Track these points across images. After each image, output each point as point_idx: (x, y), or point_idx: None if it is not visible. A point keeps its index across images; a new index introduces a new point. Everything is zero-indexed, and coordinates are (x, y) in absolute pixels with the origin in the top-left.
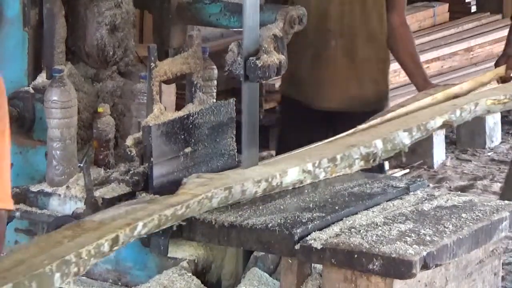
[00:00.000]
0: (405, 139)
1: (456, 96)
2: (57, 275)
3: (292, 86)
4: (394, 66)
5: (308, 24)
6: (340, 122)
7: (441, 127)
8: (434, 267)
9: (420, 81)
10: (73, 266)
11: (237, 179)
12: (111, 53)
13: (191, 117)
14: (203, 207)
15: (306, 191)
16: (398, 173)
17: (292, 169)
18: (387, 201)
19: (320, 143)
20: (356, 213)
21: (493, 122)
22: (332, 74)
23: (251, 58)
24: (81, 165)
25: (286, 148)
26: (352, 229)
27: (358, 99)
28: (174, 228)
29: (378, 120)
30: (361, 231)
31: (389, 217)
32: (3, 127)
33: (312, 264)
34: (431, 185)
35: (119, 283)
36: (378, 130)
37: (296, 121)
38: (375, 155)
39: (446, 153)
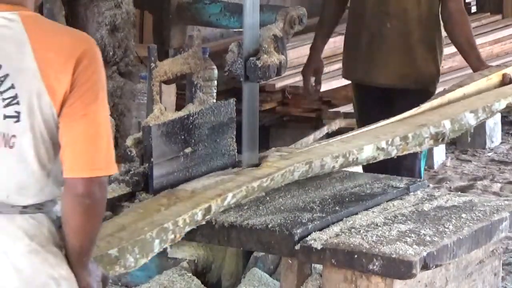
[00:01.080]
0: (471, 120)
1: None
2: (157, 241)
3: (350, 68)
4: None
5: (366, 9)
6: (396, 98)
7: (505, 109)
8: (434, 267)
9: (475, 62)
10: (170, 233)
11: (317, 154)
12: (111, 53)
13: (191, 117)
14: (285, 180)
15: (306, 191)
16: None
17: (367, 146)
18: (387, 201)
19: (389, 120)
20: (356, 214)
21: (493, 123)
22: (387, 54)
23: (251, 58)
24: None
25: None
26: (352, 229)
27: (411, 77)
28: None
29: (439, 99)
30: (361, 231)
31: (389, 218)
32: (96, 93)
33: (312, 264)
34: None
35: (119, 283)
36: (445, 110)
37: (359, 100)
38: (444, 135)
39: (446, 153)
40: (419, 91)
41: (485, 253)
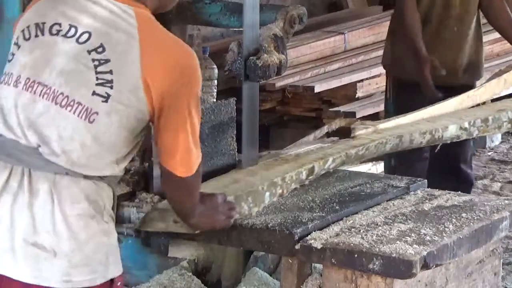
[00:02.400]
0: None
1: None
2: (267, 193)
3: (406, 66)
4: None
5: (434, 14)
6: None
7: None
8: (434, 266)
9: None
10: (279, 188)
11: (406, 130)
12: None
13: None
14: (378, 151)
15: (306, 190)
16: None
17: (452, 125)
18: (387, 200)
19: (455, 99)
20: (356, 213)
21: None
22: (451, 53)
23: (251, 57)
24: None
25: None
26: (352, 229)
27: (467, 71)
28: None
29: (496, 80)
30: (361, 231)
31: (389, 217)
32: (191, 106)
33: (312, 264)
34: None
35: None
36: None
37: (409, 94)
38: None
39: None
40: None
41: (485, 252)
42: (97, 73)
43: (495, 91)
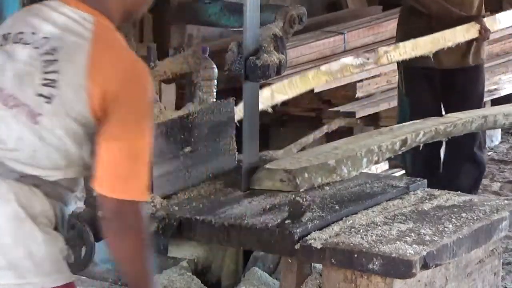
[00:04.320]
0: None
1: None
2: (365, 159)
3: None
4: (394, 65)
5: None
6: (456, 77)
7: None
8: (434, 266)
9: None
10: (375, 156)
11: (491, 111)
12: None
13: (190, 117)
14: (465, 129)
15: (306, 190)
16: (398, 172)
17: None
18: (387, 200)
19: None
20: (356, 213)
21: None
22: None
23: (251, 57)
24: None
25: (421, 110)
26: (352, 229)
27: (471, 55)
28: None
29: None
30: (361, 231)
31: (389, 217)
32: (138, 119)
33: (312, 264)
34: None
35: (119, 283)
36: None
37: (421, 83)
38: None
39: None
40: (475, 66)
41: (485, 252)
42: (44, 73)
43: None
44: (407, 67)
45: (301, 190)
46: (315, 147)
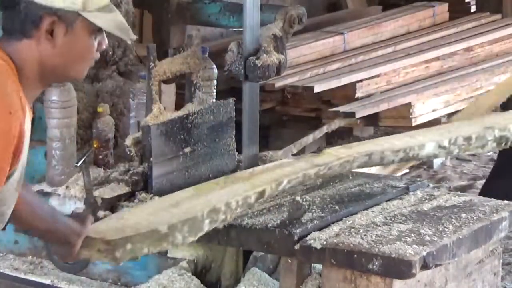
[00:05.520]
0: None
1: None
2: (206, 221)
3: None
4: (393, 66)
5: None
6: None
7: None
8: (434, 267)
9: None
10: (222, 214)
11: (379, 146)
12: (110, 53)
13: (190, 117)
14: (343, 169)
15: (306, 190)
16: (398, 173)
17: (429, 143)
18: (386, 201)
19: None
20: (356, 213)
21: None
22: None
23: (250, 58)
24: (77, 165)
25: None
26: (352, 229)
27: None
28: None
29: None
30: (361, 231)
31: (388, 217)
32: None
33: (312, 264)
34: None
35: (119, 283)
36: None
37: None
38: (508, 139)
39: None
40: None
41: (485, 252)
42: None
43: None
44: None
45: (121, 263)
46: (164, 197)
